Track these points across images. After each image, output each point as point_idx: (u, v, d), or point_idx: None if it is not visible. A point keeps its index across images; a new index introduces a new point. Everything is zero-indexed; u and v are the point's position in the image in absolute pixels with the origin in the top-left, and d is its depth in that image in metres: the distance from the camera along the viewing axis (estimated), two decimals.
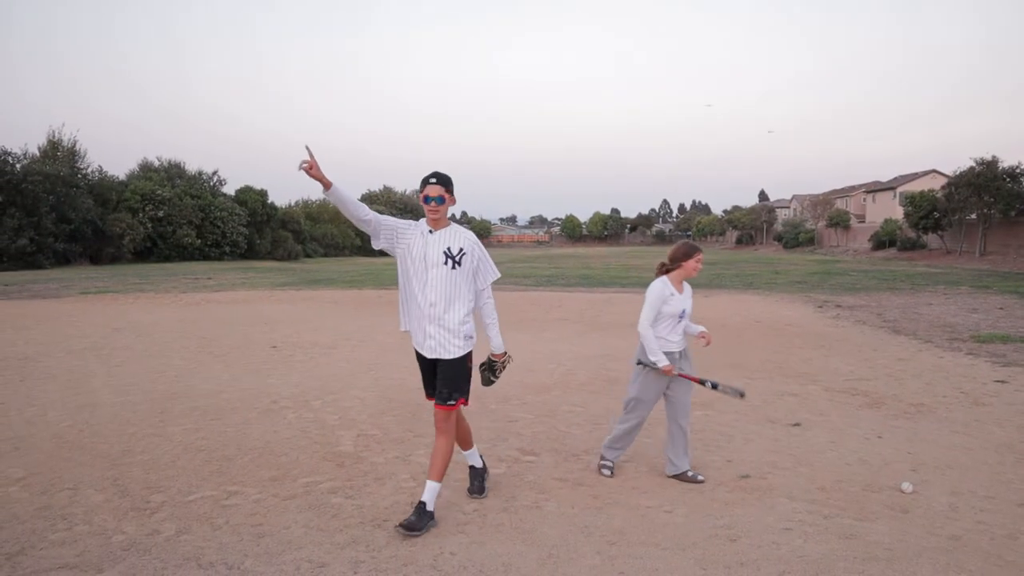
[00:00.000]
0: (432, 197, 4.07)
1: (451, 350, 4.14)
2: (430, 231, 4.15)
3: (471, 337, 4.20)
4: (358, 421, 6.39)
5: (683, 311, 4.92)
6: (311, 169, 3.78)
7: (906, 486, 4.67)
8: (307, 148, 3.83)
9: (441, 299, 4.10)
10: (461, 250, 4.13)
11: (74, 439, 5.84)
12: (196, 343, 11.00)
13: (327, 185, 3.86)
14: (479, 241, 4.25)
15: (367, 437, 5.91)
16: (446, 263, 4.09)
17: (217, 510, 4.37)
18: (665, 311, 4.86)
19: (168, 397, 7.32)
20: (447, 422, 4.18)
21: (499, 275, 4.32)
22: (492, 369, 4.42)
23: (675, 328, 4.91)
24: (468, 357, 4.21)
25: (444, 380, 4.16)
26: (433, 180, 4.10)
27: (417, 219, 4.29)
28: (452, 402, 4.15)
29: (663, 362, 4.79)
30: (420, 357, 4.27)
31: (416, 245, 4.14)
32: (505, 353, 4.41)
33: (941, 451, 5.54)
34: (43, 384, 8.00)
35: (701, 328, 4.96)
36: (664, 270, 5.06)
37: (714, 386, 4.92)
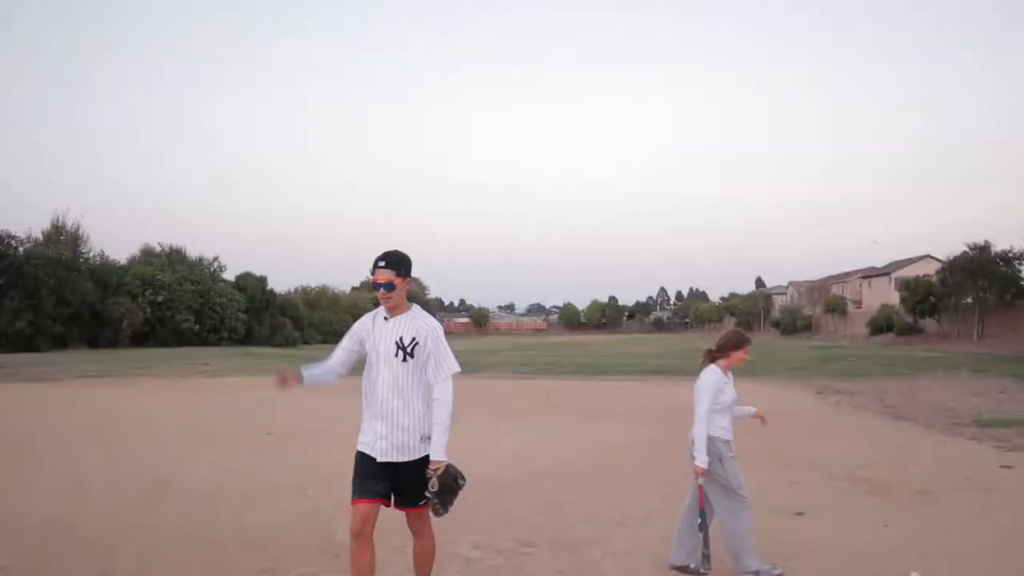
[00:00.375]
0: (380, 284, 3.70)
1: (407, 452, 3.66)
2: (385, 318, 3.77)
3: (429, 438, 3.68)
4: None
5: (735, 398, 4.85)
6: (282, 384, 3.84)
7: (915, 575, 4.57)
8: (281, 378, 3.88)
9: (392, 395, 3.66)
10: (413, 339, 3.68)
11: (63, 525, 5.73)
12: (191, 429, 10.89)
13: (298, 380, 3.86)
14: (438, 328, 3.79)
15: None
16: (396, 354, 3.67)
17: None
18: (720, 400, 4.74)
19: (161, 484, 7.20)
20: (420, 521, 3.81)
21: (457, 369, 3.75)
22: (433, 487, 3.61)
23: (726, 416, 4.79)
24: (428, 460, 3.69)
25: (409, 485, 3.67)
26: (381, 264, 3.72)
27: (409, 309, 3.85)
28: (422, 502, 3.68)
29: (704, 461, 4.55)
30: (363, 457, 3.72)
31: (372, 334, 3.78)
32: (444, 463, 3.62)
33: (948, 539, 5.43)
34: (35, 468, 7.89)
35: (752, 408, 4.87)
36: (712, 358, 4.98)
37: (701, 527, 4.67)
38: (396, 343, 3.68)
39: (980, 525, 5.82)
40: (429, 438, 3.65)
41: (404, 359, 3.66)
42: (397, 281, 3.70)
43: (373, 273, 3.73)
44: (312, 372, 3.88)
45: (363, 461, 3.70)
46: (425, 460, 3.64)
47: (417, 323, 3.73)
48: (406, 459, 3.65)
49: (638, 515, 6.10)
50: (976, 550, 5.19)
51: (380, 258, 3.73)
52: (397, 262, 3.73)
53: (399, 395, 3.66)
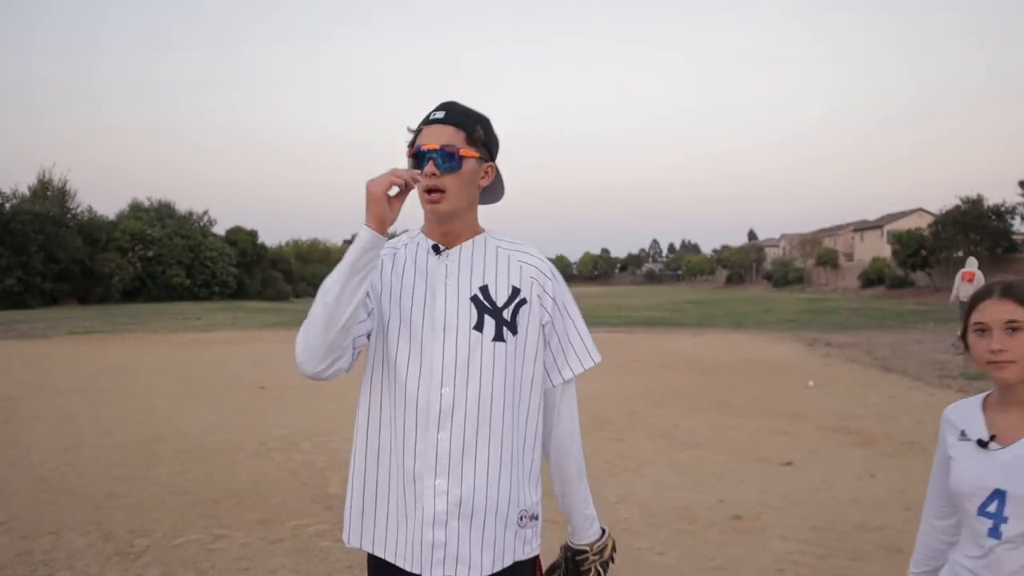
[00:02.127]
0: (429, 152, 1.69)
1: (483, 554, 1.68)
2: (435, 246, 1.77)
3: (536, 518, 1.78)
4: (347, 463, 6.33)
5: None
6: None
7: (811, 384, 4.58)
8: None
9: (464, 420, 1.68)
10: (515, 291, 1.74)
11: (58, 482, 5.76)
12: (184, 384, 10.91)
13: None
14: (557, 273, 1.83)
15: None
16: (478, 325, 1.70)
17: (203, 554, 4.30)
18: None
19: (155, 439, 7.23)
20: None
21: (599, 358, 1.86)
22: None
23: None
24: (525, 572, 1.76)
25: None
26: (439, 115, 1.74)
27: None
28: None
29: None
30: (381, 569, 1.74)
31: (399, 283, 1.75)
32: (604, 535, 1.86)
33: None
34: (28, 426, 7.90)
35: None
36: None
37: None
38: (474, 299, 1.72)
39: None
40: (533, 518, 1.76)
41: (498, 335, 1.70)
42: (467, 153, 1.71)
43: (417, 135, 1.75)
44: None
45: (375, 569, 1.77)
46: (522, 568, 1.74)
47: (515, 258, 1.78)
48: (475, 573, 1.67)
49: (628, 465, 6.16)
50: None
51: (439, 107, 1.77)
52: (469, 118, 1.76)
53: (483, 417, 1.69)
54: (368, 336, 1.72)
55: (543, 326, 1.75)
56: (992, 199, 42.21)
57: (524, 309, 1.72)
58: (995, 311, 1.68)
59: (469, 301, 1.70)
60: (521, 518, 1.72)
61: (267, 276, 53.77)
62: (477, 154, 1.73)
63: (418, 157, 1.70)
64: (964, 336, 1.79)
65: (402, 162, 1.78)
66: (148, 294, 44.95)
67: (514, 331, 1.70)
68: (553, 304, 1.76)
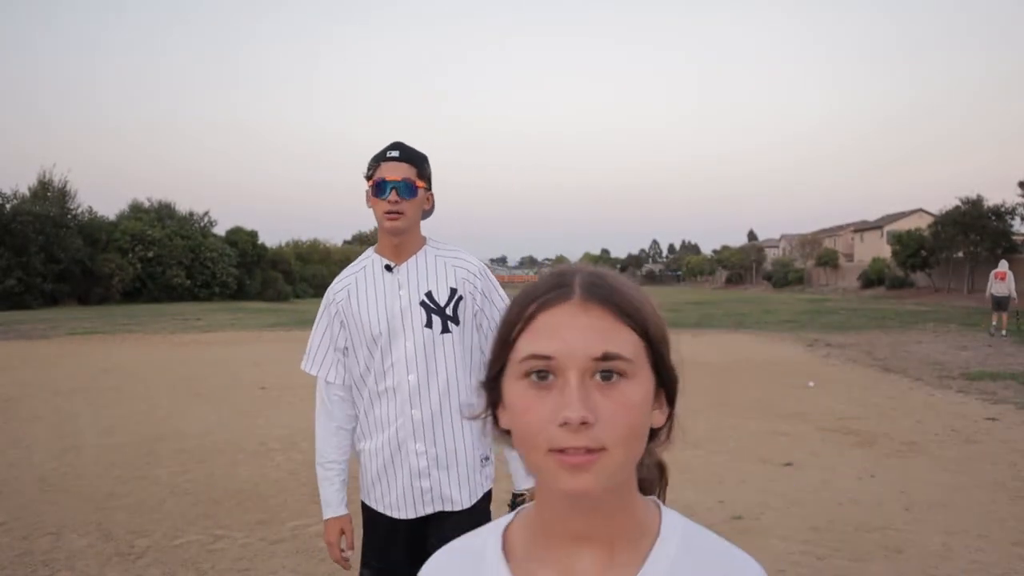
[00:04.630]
0: (392, 182, 2.15)
1: (461, 492, 2.21)
2: (388, 266, 2.23)
3: (488, 459, 2.30)
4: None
5: None
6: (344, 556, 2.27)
7: (811, 384, 4.60)
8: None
9: (429, 394, 2.17)
10: (453, 292, 2.21)
11: (58, 482, 5.76)
12: (184, 384, 10.91)
13: (349, 527, 2.28)
14: (484, 267, 2.32)
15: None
16: (429, 323, 2.18)
17: (203, 555, 4.30)
18: None
19: (155, 439, 7.23)
20: None
21: None
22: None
23: None
24: (488, 499, 2.30)
25: None
26: (394, 154, 2.20)
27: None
28: None
29: None
30: (374, 519, 2.29)
31: (364, 300, 2.22)
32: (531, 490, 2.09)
33: (934, 490, 5.51)
34: (28, 426, 7.90)
35: None
36: None
37: None
38: (424, 303, 2.18)
39: (964, 476, 5.90)
40: (487, 459, 2.28)
41: (445, 328, 2.18)
42: (420, 184, 2.19)
43: (376, 169, 2.20)
44: (339, 481, 2.31)
45: (374, 525, 2.29)
46: (483, 506, 2.25)
47: (449, 264, 2.25)
48: (457, 508, 2.20)
49: None
50: (960, 501, 5.27)
51: (392, 147, 2.23)
52: (417, 157, 2.23)
53: (443, 392, 2.18)
54: (345, 351, 2.27)
55: (474, 315, 2.24)
56: (992, 199, 42.26)
57: (462, 304, 2.21)
58: None
59: (419, 306, 2.18)
60: (482, 461, 2.25)
61: (267, 277, 53.73)
62: (425, 185, 2.23)
63: (381, 186, 2.17)
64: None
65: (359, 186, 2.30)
66: (148, 295, 44.92)
67: (457, 323, 2.20)
68: (482, 296, 2.24)
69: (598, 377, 0.78)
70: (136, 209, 51.27)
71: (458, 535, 0.93)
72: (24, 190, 44.75)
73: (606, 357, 0.78)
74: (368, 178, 2.24)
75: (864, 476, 5.88)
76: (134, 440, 7.18)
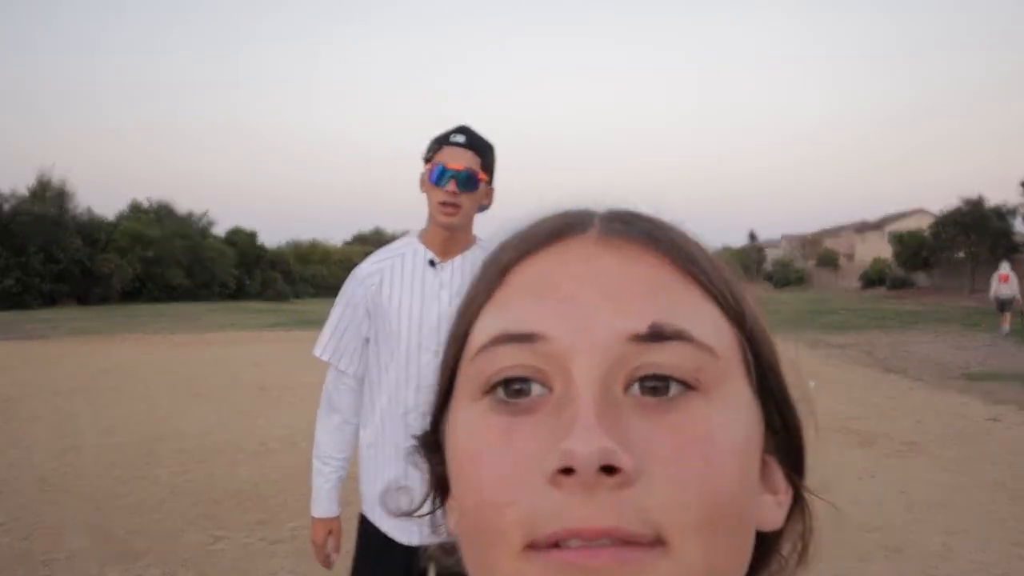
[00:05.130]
0: (452, 171, 1.94)
1: None
2: (432, 262, 2.01)
3: None
4: None
5: None
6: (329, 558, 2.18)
7: (811, 384, 4.62)
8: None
9: None
10: None
11: (58, 482, 5.75)
12: (184, 384, 10.91)
13: (337, 535, 2.19)
14: None
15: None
16: None
17: (203, 555, 4.30)
18: None
19: (155, 439, 7.23)
20: None
21: None
22: None
23: None
24: None
25: None
26: (460, 139, 1.99)
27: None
28: None
29: None
30: (371, 538, 2.08)
31: (399, 292, 2.00)
32: None
33: (934, 490, 5.51)
34: (28, 426, 7.90)
35: None
36: None
37: None
38: None
39: (965, 476, 5.90)
40: None
41: None
42: (482, 177, 1.99)
43: (436, 152, 1.99)
44: (335, 479, 2.20)
45: (372, 544, 2.07)
46: None
47: None
48: None
49: None
50: (961, 501, 5.27)
51: (457, 130, 2.02)
52: (483, 146, 2.03)
53: None
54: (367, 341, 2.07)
55: None
56: (993, 199, 42.26)
57: None
58: None
59: None
60: None
61: (267, 277, 53.69)
62: (487, 178, 2.01)
63: (441, 173, 1.95)
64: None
65: (412, 165, 2.08)
66: (147, 295, 44.88)
67: None
68: None
69: (636, 389, 0.43)
70: (135, 209, 51.28)
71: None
72: (23, 190, 44.84)
73: (658, 335, 0.43)
74: (427, 160, 2.01)
75: (864, 476, 5.88)
76: (134, 440, 7.18)
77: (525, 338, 0.44)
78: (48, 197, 44.03)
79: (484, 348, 0.46)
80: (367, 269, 2.05)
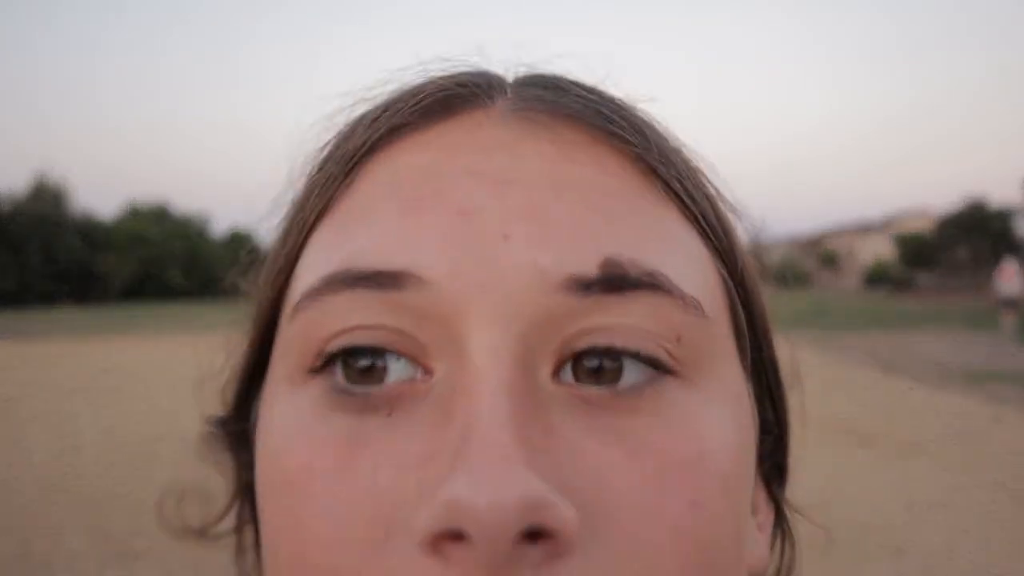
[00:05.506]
0: None
1: None
2: None
3: None
4: None
5: None
6: None
7: None
8: None
9: None
10: None
11: (57, 482, 5.74)
12: (183, 383, 10.83)
13: None
14: None
15: None
16: None
17: (203, 556, 4.28)
18: None
19: (155, 439, 7.21)
20: None
21: None
22: None
23: None
24: None
25: None
26: None
27: None
28: None
29: None
30: None
31: None
32: None
33: (935, 490, 5.49)
34: (27, 426, 7.88)
35: None
36: None
37: None
38: None
39: (967, 476, 5.88)
40: None
41: None
42: None
43: None
44: None
45: None
46: None
47: None
48: None
49: None
50: (962, 502, 5.25)
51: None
52: None
53: None
54: None
55: None
56: (995, 198, 42.37)
57: None
58: None
59: None
60: None
61: None
62: None
63: None
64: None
65: None
66: (146, 295, 44.88)
67: None
68: None
69: (570, 373, 0.29)
70: (134, 209, 51.27)
71: None
72: (22, 190, 44.84)
73: (615, 281, 0.29)
74: None
75: (864, 476, 5.86)
76: (134, 440, 7.16)
77: (383, 280, 0.28)
78: (47, 197, 44.05)
79: (311, 295, 0.30)
80: None
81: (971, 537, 4.52)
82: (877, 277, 53.52)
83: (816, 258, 69.40)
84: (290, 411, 0.31)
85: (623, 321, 0.28)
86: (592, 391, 0.28)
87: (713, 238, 0.34)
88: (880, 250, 63.33)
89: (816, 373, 11.84)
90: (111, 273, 42.55)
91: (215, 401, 0.48)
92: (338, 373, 0.30)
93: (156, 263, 45.41)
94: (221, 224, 55.60)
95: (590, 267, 0.28)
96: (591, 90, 0.35)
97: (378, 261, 0.29)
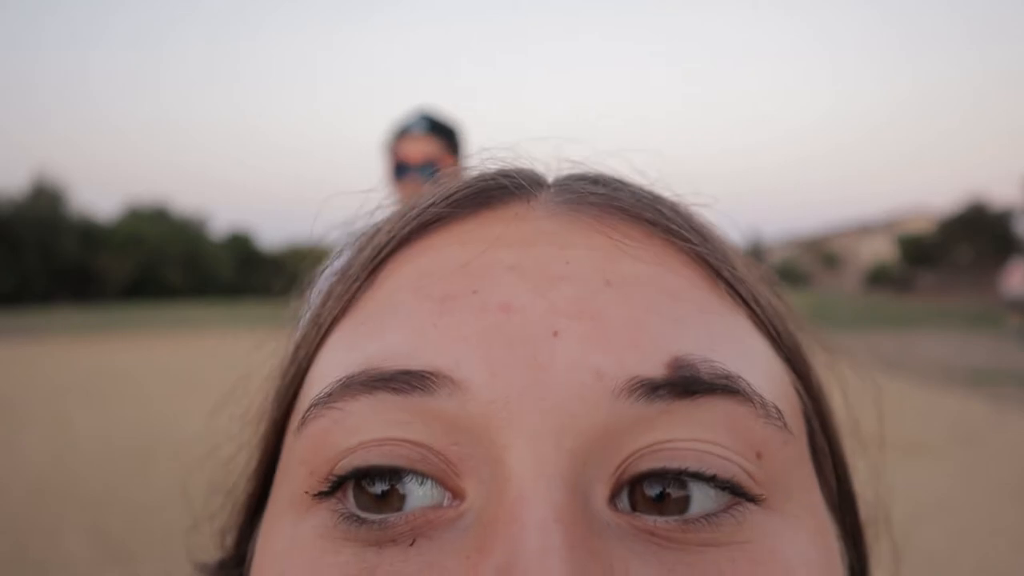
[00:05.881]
0: (413, 166, 1.83)
1: None
2: None
3: None
4: None
5: None
6: None
7: None
8: None
9: None
10: None
11: (54, 484, 5.71)
12: (181, 384, 10.86)
13: None
14: None
15: None
16: None
17: (202, 557, 4.25)
18: None
19: (152, 440, 7.18)
20: None
21: None
22: None
23: None
24: None
25: None
26: (418, 129, 1.85)
27: None
28: None
29: None
30: None
31: None
32: None
33: (937, 490, 5.46)
34: (24, 427, 7.86)
35: None
36: None
37: None
38: None
39: (970, 477, 5.86)
40: None
41: None
42: (447, 162, 1.80)
43: (395, 145, 1.87)
44: None
45: None
46: None
47: None
48: None
49: None
50: (965, 502, 5.23)
51: (417, 118, 1.87)
52: (444, 129, 1.89)
53: None
54: None
55: None
56: (996, 198, 42.45)
57: None
58: None
59: None
60: None
61: (265, 276, 53.80)
62: (455, 160, 1.84)
63: (401, 169, 1.82)
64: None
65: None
66: (145, 294, 44.93)
67: None
68: None
69: (626, 500, 0.25)
70: (133, 209, 51.34)
71: None
72: (21, 190, 44.87)
73: (688, 383, 0.24)
74: (389, 151, 1.89)
75: (865, 476, 5.83)
76: (131, 441, 7.13)
77: (410, 381, 0.24)
78: (45, 197, 44.08)
79: (323, 402, 0.26)
80: None
81: (974, 538, 4.50)
82: (878, 277, 53.61)
83: (816, 258, 69.45)
84: (289, 543, 0.26)
85: (695, 435, 0.24)
86: (656, 522, 0.23)
87: (781, 345, 0.31)
88: (881, 250, 63.43)
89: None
90: (109, 273, 42.56)
91: (209, 544, 0.42)
92: (350, 498, 0.25)
93: (155, 263, 45.46)
94: (220, 224, 55.76)
95: (656, 367, 0.24)
96: (643, 188, 0.32)
97: (404, 361, 0.24)
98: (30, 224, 37.99)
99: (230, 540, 0.34)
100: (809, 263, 71.79)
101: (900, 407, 8.97)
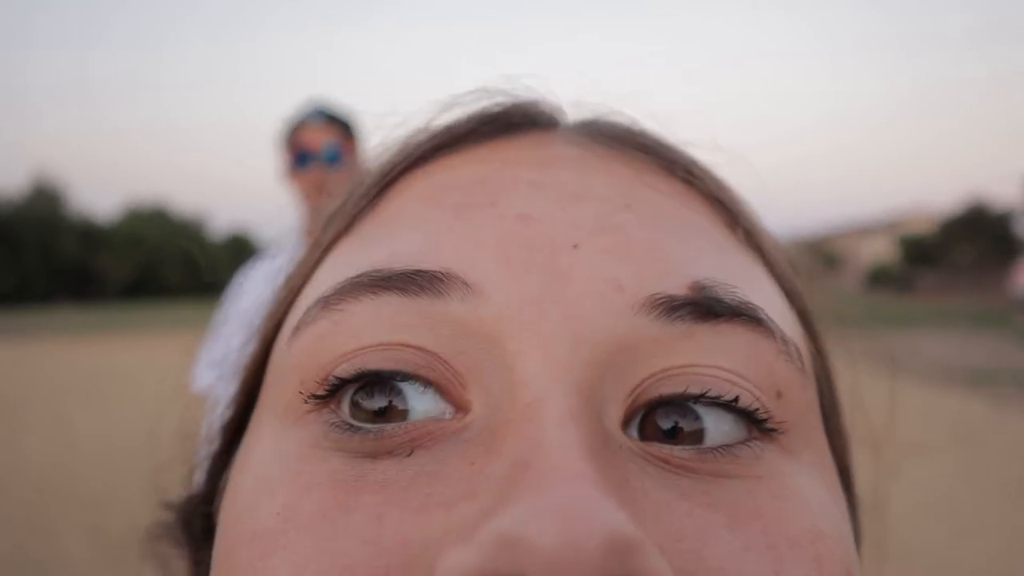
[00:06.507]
0: (313, 154, 1.81)
1: None
2: None
3: None
4: None
5: None
6: None
7: None
8: None
9: None
10: None
11: (53, 483, 5.71)
12: (182, 384, 10.86)
13: None
14: None
15: None
16: None
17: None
18: None
19: (153, 440, 7.17)
20: None
21: None
22: None
23: None
24: None
25: None
26: (316, 120, 1.84)
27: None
28: None
29: None
30: None
31: None
32: None
33: (936, 490, 5.46)
34: (23, 427, 7.86)
35: None
36: None
37: None
38: None
39: (970, 477, 5.86)
40: None
41: None
42: (350, 147, 1.86)
43: (295, 135, 1.85)
44: None
45: None
46: None
47: None
48: None
49: None
50: (965, 502, 5.23)
51: (312, 111, 1.87)
52: (344, 122, 1.87)
53: None
54: None
55: None
56: (996, 198, 42.48)
57: None
58: None
59: None
60: None
61: None
62: (355, 147, 1.83)
63: (303, 157, 1.78)
64: None
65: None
66: (145, 294, 44.93)
67: None
68: None
69: (635, 428, 0.23)
70: (133, 208, 51.34)
71: None
72: (21, 190, 44.88)
73: (709, 303, 0.23)
74: (284, 147, 1.84)
75: (864, 476, 5.83)
76: (132, 441, 7.12)
77: (420, 281, 0.22)
78: (45, 197, 44.09)
79: (320, 304, 0.24)
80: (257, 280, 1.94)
81: (974, 538, 4.50)
82: (878, 277, 53.61)
83: (816, 258, 69.47)
84: (271, 456, 0.23)
85: (717, 361, 0.22)
86: (671, 450, 0.22)
87: (791, 296, 0.30)
88: (881, 250, 63.41)
89: None
90: (109, 273, 42.56)
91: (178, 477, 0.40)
92: (345, 406, 0.23)
93: (155, 262, 45.46)
94: (220, 224, 55.74)
95: (678, 287, 0.23)
96: (653, 135, 0.32)
97: (415, 261, 0.22)
98: (30, 224, 37.99)
99: (200, 476, 0.30)
100: (808, 262, 71.81)
101: (900, 406, 8.97)
